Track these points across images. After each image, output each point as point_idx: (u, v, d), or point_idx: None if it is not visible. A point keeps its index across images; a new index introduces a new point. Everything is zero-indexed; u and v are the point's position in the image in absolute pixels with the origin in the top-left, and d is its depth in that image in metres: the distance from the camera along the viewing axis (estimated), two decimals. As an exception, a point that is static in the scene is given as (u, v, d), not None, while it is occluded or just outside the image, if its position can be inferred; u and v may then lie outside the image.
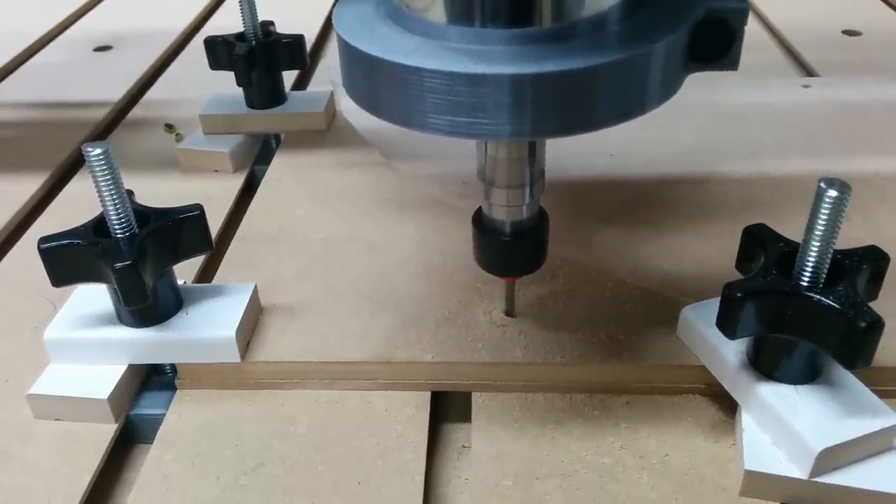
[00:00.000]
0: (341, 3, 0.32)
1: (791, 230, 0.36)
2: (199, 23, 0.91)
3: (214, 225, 0.53)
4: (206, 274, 0.50)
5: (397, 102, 0.28)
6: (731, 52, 0.29)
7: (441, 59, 0.27)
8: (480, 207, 0.38)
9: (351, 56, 0.29)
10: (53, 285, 0.38)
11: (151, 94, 0.74)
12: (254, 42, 0.58)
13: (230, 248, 0.50)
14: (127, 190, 0.38)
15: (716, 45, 0.29)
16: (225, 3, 0.96)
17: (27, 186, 0.59)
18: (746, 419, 0.36)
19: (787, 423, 0.33)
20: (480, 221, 0.38)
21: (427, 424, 0.39)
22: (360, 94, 0.30)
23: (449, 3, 0.28)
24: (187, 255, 0.40)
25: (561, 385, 0.40)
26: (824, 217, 0.31)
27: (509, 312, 0.42)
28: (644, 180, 0.55)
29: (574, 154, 0.57)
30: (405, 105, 0.28)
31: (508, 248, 0.38)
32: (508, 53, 0.27)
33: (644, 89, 0.28)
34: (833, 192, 0.31)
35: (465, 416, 0.40)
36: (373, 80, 0.29)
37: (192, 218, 0.39)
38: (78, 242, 0.37)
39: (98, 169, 0.36)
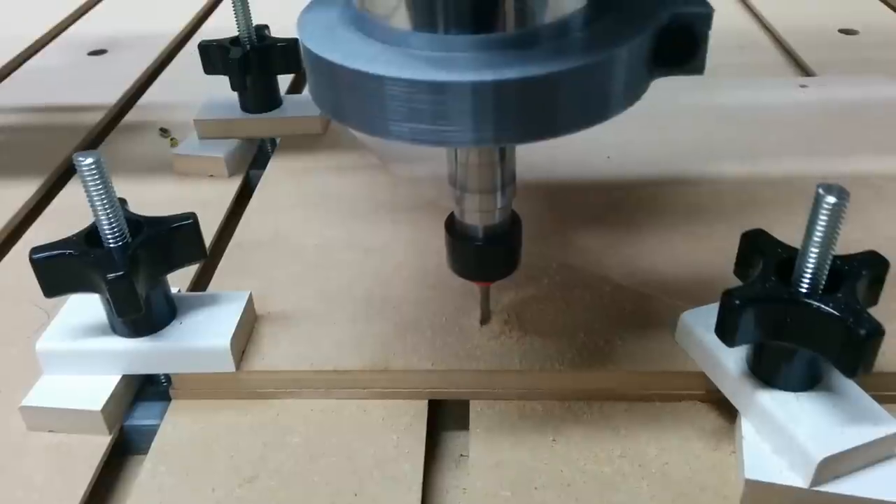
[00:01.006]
0: (306, 10, 0.32)
1: (788, 231, 0.36)
2: (194, 27, 0.91)
3: (209, 230, 0.52)
4: (201, 280, 0.49)
5: (360, 109, 0.28)
6: (696, 56, 0.29)
7: (402, 67, 0.27)
8: (452, 213, 0.38)
9: (314, 63, 0.29)
10: (46, 296, 0.37)
11: (146, 98, 0.74)
12: (248, 46, 0.57)
13: (225, 254, 0.50)
14: (119, 198, 0.37)
15: (681, 49, 0.29)
16: (219, 7, 0.96)
17: (21, 192, 0.58)
18: (746, 427, 0.35)
19: (788, 432, 0.33)
20: (453, 227, 0.38)
21: (424, 434, 0.38)
22: (324, 100, 0.30)
23: (411, 10, 0.28)
24: (181, 265, 0.39)
25: (559, 392, 0.39)
26: (823, 223, 0.31)
27: (484, 319, 0.42)
28: (641, 181, 0.55)
29: (570, 155, 0.57)
30: (368, 112, 0.28)
31: (482, 254, 0.37)
32: (470, 60, 0.27)
33: (607, 95, 0.28)
34: (832, 199, 0.31)
35: (463, 424, 0.40)
36: (335, 86, 0.28)
37: (185, 227, 0.38)
38: (70, 253, 0.36)
39: (90, 178, 0.35)
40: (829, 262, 0.32)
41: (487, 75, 0.26)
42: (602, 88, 0.28)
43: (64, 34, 0.89)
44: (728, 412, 0.38)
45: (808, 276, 0.32)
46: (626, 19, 0.29)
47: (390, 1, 0.28)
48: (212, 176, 0.59)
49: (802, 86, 0.66)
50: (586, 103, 0.28)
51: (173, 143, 0.63)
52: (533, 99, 0.27)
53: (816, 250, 0.32)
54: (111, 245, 0.37)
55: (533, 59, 0.27)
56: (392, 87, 0.27)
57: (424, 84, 0.26)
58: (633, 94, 0.29)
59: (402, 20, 0.28)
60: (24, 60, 0.82)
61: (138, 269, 0.36)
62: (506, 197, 0.36)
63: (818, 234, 0.31)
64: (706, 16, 0.29)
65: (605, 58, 0.27)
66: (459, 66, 0.27)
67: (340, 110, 0.29)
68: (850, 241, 0.35)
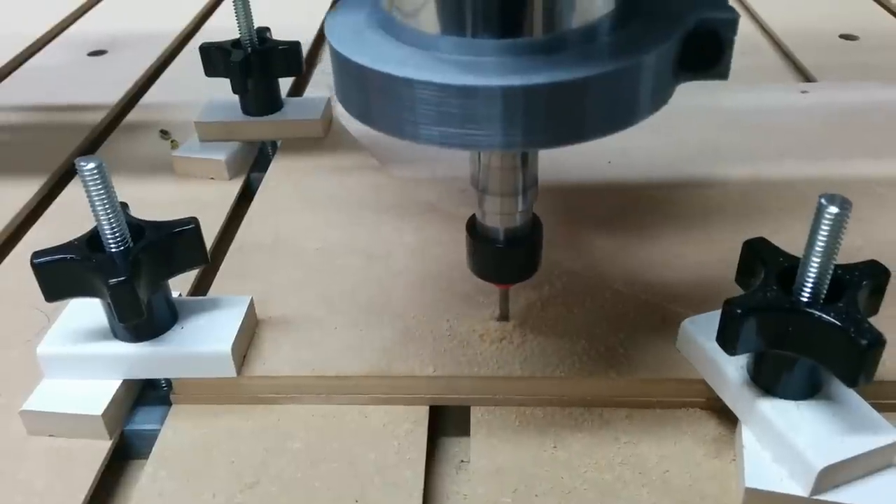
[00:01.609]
0: (333, 13, 0.32)
1: (789, 237, 0.36)
2: (195, 26, 0.91)
3: (210, 233, 0.52)
4: (202, 284, 0.49)
5: (389, 113, 0.28)
6: (721, 61, 0.29)
7: (433, 71, 0.27)
8: (474, 215, 0.38)
9: (343, 66, 0.29)
10: (47, 300, 0.37)
11: (147, 98, 0.73)
12: (249, 49, 0.57)
13: (226, 258, 0.50)
14: (121, 202, 0.37)
15: (706, 54, 0.29)
16: (221, 7, 0.96)
17: (21, 193, 0.58)
18: (747, 435, 0.35)
19: (789, 441, 0.33)
20: (474, 229, 0.38)
21: (425, 440, 0.38)
22: (351, 103, 0.30)
23: (441, 14, 0.28)
24: (183, 269, 0.39)
25: (560, 399, 0.39)
26: (825, 233, 0.31)
27: (503, 317, 0.42)
28: (642, 186, 0.55)
29: (572, 159, 0.57)
30: (397, 115, 0.28)
31: (502, 256, 0.38)
32: (500, 64, 0.27)
33: (635, 100, 0.28)
34: (833, 209, 0.31)
35: (464, 430, 0.40)
36: (365, 90, 0.29)
37: (187, 231, 0.38)
38: (71, 257, 0.36)
39: (91, 183, 0.35)
40: (830, 271, 0.32)
41: (517, 80, 0.26)
42: (630, 94, 0.28)
43: (64, 33, 0.89)
44: (729, 420, 0.38)
45: (810, 285, 0.32)
46: (654, 24, 0.29)
47: (419, 4, 0.28)
48: (212, 178, 0.59)
49: (804, 91, 0.66)
50: (614, 108, 0.28)
51: (174, 144, 0.63)
52: (562, 104, 0.27)
53: (818, 260, 0.32)
54: (113, 250, 0.37)
55: (562, 64, 0.27)
56: (422, 91, 0.27)
57: (455, 88, 0.26)
58: (659, 98, 0.29)
59: (431, 24, 0.28)
60: (25, 60, 0.82)
61: (140, 274, 0.36)
62: (527, 200, 0.36)
63: (820, 243, 0.31)
64: (732, 21, 0.29)
65: (634, 63, 0.27)
66: (489, 70, 0.27)
67: (368, 113, 0.29)
68: (850, 248, 0.35)
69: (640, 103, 0.28)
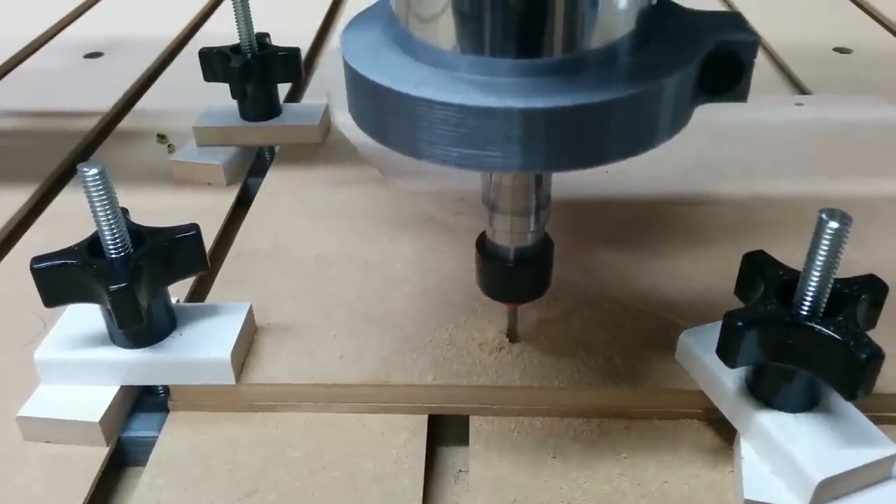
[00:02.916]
0: (348, 29, 0.32)
1: (787, 251, 0.36)
2: (192, 29, 0.90)
3: (208, 239, 0.52)
4: (199, 290, 0.49)
5: (406, 132, 0.28)
6: (741, 83, 0.29)
7: (452, 91, 0.27)
8: (484, 232, 0.37)
9: (358, 83, 0.29)
10: (46, 306, 0.37)
11: (143, 102, 0.73)
12: (249, 55, 0.57)
13: (224, 264, 0.50)
14: (122, 208, 0.37)
15: (726, 77, 0.29)
16: (218, 10, 0.96)
17: (16, 198, 0.58)
18: (745, 447, 0.36)
19: (787, 453, 0.33)
20: (484, 246, 0.37)
21: (424, 449, 0.38)
22: (366, 121, 0.30)
23: (459, 33, 0.27)
24: (183, 276, 0.39)
25: (559, 409, 0.39)
26: (825, 248, 0.31)
27: (512, 337, 0.42)
28: (640, 199, 0.55)
29: (570, 173, 0.57)
30: (414, 135, 0.28)
31: (512, 275, 0.37)
32: (519, 85, 0.27)
33: (656, 123, 0.28)
34: (834, 224, 0.31)
35: (462, 439, 0.40)
36: (381, 109, 0.28)
37: (188, 238, 0.38)
38: (72, 263, 0.36)
39: (93, 189, 0.35)
40: (830, 285, 0.32)
41: (539, 102, 0.26)
42: (651, 117, 0.28)
43: (59, 36, 0.89)
44: (727, 431, 0.38)
45: (810, 299, 0.32)
46: (674, 46, 0.29)
47: (437, 23, 0.28)
48: (210, 183, 0.59)
49: (799, 104, 0.67)
50: (635, 131, 0.28)
51: (171, 149, 0.63)
52: (583, 127, 0.27)
53: (818, 274, 0.32)
54: (113, 256, 0.36)
55: (582, 86, 0.27)
56: (441, 112, 0.27)
57: (475, 110, 0.26)
58: (679, 121, 0.29)
59: (448, 43, 0.28)
60: (19, 63, 0.82)
61: (140, 281, 0.36)
62: (540, 220, 0.36)
63: (820, 258, 0.32)
64: (753, 43, 0.29)
65: (655, 86, 0.27)
66: (509, 91, 0.26)
67: (384, 132, 0.29)
68: (847, 262, 0.35)
69: (660, 126, 0.28)
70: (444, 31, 0.28)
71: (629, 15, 0.28)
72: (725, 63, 0.29)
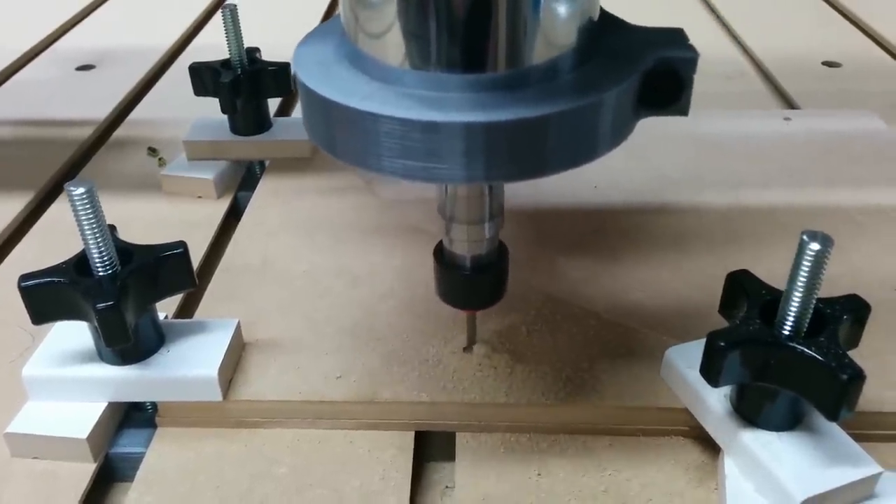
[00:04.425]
0: (301, 44, 0.32)
1: (772, 264, 0.36)
2: (184, 41, 0.91)
3: (197, 253, 0.53)
4: (188, 305, 0.49)
5: (354, 145, 0.29)
6: (681, 99, 0.30)
7: (396, 106, 0.27)
8: (441, 241, 0.38)
9: (309, 97, 0.30)
10: (34, 323, 0.37)
11: (135, 114, 0.73)
12: (239, 70, 0.57)
13: (213, 279, 0.50)
14: (109, 225, 0.37)
15: (666, 92, 0.30)
16: (209, 24, 0.96)
17: (7, 210, 0.58)
18: (729, 465, 0.36)
19: (771, 472, 0.34)
20: (441, 256, 0.38)
21: (410, 466, 0.38)
22: (317, 134, 0.30)
23: (406, 49, 0.28)
24: (170, 293, 0.39)
25: (545, 426, 0.40)
26: (806, 269, 0.32)
27: (470, 344, 0.42)
28: (626, 211, 0.55)
29: (556, 183, 0.57)
30: (361, 148, 0.28)
31: (469, 283, 0.38)
32: (462, 100, 0.27)
33: (595, 136, 0.29)
34: (815, 246, 0.31)
35: (449, 455, 0.40)
36: (330, 122, 0.29)
37: (175, 255, 0.38)
38: (59, 281, 0.36)
39: (81, 208, 0.35)
40: (812, 306, 0.33)
41: (480, 116, 0.27)
42: (591, 130, 0.28)
43: (52, 48, 0.89)
44: (712, 448, 0.38)
45: (792, 319, 0.33)
46: (614, 62, 0.29)
47: (385, 39, 0.28)
48: (200, 197, 0.59)
49: (787, 119, 0.67)
50: (575, 144, 0.28)
51: (161, 162, 0.63)
52: (523, 140, 0.27)
53: (800, 295, 0.32)
54: (101, 274, 0.37)
55: (524, 100, 0.27)
56: (386, 126, 0.27)
57: (418, 124, 0.27)
58: (619, 134, 0.30)
59: (396, 58, 0.28)
60: (11, 74, 0.82)
61: (128, 298, 0.36)
62: (493, 228, 0.37)
63: (801, 279, 0.32)
64: (692, 60, 0.29)
65: (594, 101, 0.28)
66: (452, 105, 0.27)
67: (333, 144, 0.30)
68: (830, 276, 0.35)
69: (600, 139, 0.29)
70: (390, 48, 0.28)
71: (571, 32, 0.28)
72: (666, 79, 0.29)
